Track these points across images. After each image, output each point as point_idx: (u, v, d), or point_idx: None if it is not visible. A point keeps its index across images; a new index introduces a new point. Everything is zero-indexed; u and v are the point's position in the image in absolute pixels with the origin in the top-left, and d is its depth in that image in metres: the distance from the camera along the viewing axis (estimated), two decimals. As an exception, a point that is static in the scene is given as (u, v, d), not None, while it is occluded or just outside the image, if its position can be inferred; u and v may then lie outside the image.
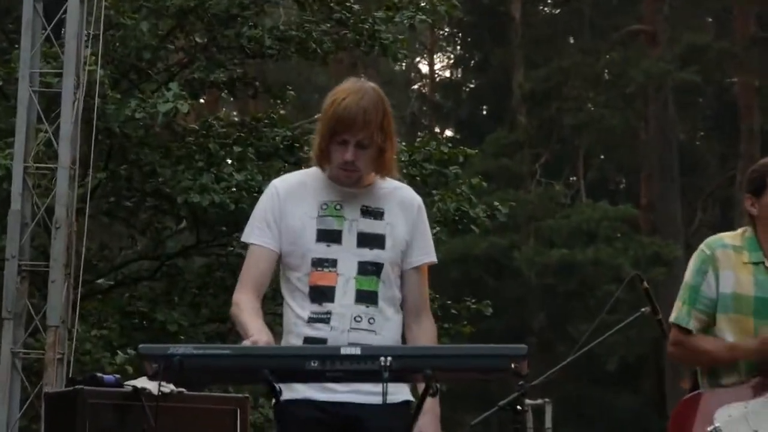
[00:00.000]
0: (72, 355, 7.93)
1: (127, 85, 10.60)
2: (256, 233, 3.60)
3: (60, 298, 7.84)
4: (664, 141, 22.99)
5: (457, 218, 11.12)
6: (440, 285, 13.46)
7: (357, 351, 3.07)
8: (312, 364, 3.07)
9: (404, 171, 9.97)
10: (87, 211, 8.60)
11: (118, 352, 9.90)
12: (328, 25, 10.99)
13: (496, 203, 11.82)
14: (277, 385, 3.13)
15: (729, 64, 23.71)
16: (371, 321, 3.53)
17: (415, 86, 29.25)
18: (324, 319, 3.52)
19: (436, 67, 29.37)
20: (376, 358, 3.03)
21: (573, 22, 26.21)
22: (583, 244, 21.93)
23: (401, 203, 3.65)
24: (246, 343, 3.32)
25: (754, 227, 4.04)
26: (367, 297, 3.54)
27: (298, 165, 9.59)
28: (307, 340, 3.51)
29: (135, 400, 5.86)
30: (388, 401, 3.05)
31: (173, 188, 9.92)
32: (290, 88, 12.45)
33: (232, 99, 14.40)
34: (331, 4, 10.84)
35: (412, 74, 29.49)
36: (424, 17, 11.23)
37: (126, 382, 6.04)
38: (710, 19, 26.69)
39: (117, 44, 10.25)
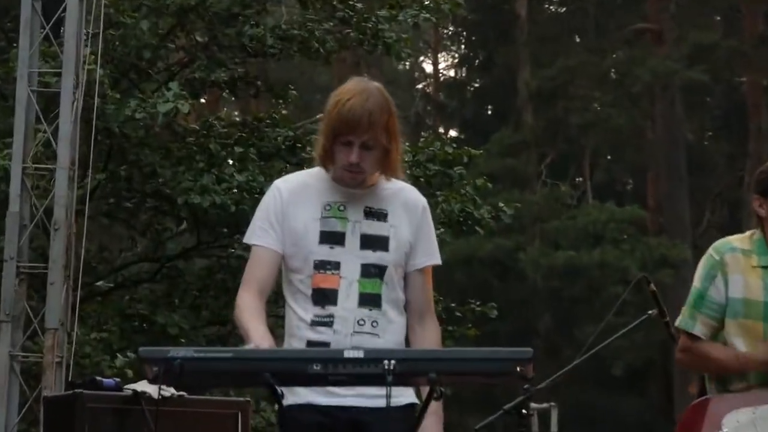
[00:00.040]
0: (71, 358, 7.92)
1: (127, 85, 10.58)
2: (259, 234, 3.58)
3: (59, 301, 7.82)
4: (672, 141, 22.95)
5: (461, 219, 11.10)
6: (444, 287, 13.39)
7: (360, 354, 3.04)
8: (314, 367, 3.04)
9: (408, 172, 9.90)
10: (86, 212, 8.57)
11: (118, 355, 9.88)
12: (331, 23, 10.97)
13: (501, 204, 11.78)
14: (279, 389, 3.11)
15: (737, 62, 23.69)
16: (374, 324, 3.52)
17: (419, 86, 29.29)
18: (327, 322, 3.50)
19: (440, 66, 29.43)
20: (380, 362, 3.01)
21: (579, 21, 26.21)
22: (590, 245, 21.92)
23: (405, 204, 3.63)
24: (248, 348, 3.31)
25: (762, 229, 4.01)
26: (370, 300, 3.53)
27: (300, 165, 9.54)
28: (310, 343, 3.50)
29: (135, 404, 5.86)
30: (392, 404, 3.09)
31: (173, 189, 9.89)
32: (292, 87, 12.43)
33: (233, 99, 14.43)
34: (334, 3, 10.83)
35: (416, 73, 29.52)
36: (427, 16, 11.20)
37: (126, 386, 6.06)
38: (718, 18, 26.62)
39: (117, 43, 10.22)
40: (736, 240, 4.03)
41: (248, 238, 3.62)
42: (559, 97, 24.16)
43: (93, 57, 8.58)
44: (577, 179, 25.63)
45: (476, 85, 28.67)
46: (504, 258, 22.71)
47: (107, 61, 9.75)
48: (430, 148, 11.15)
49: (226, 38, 10.64)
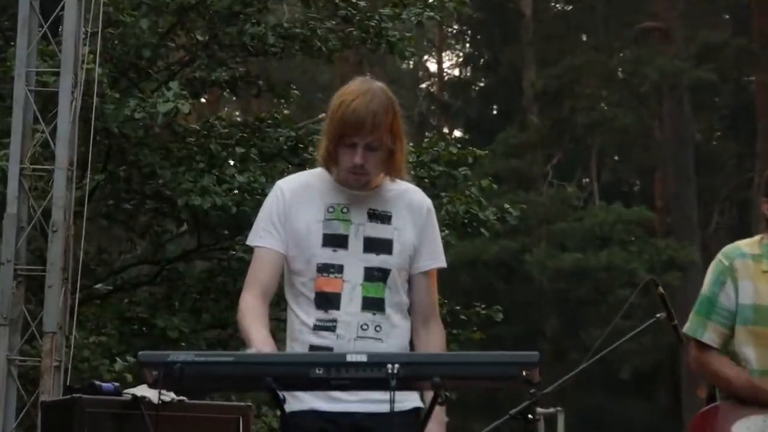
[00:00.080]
0: (69, 362, 7.88)
1: (127, 84, 10.55)
2: (262, 235, 3.57)
3: (57, 304, 7.78)
4: (680, 141, 22.94)
5: (466, 221, 11.05)
6: (449, 290, 13.33)
7: (363, 358, 3.02)
8: (317, 371, 3.03)
9: (412, 173, 9.86)
10: (85, 213, 8.52)
11: (117, 359, 9.85)
12: (334, 22, 10.93)
13: (506, 206, 11.74)
14: (281, 394, 3.08)
15: (746, 62, 23.67)
16: (378, 329, 3.51)
17: (423, 85, 29.27)
18: (330, 327, 3.50)
19: (445, 65, 29.39)
20: (383, 366, 2.99)
21: (585, 19, 26.20)
22: (597, 247, 21.93)
23: (410, 206, 3.62)
24: (249, 351, 3.32)
25: None
26: (373, 304, 3.52)
27: (302, 166, 9.54)
28: (313, 348, 3.49)
29: (134, 409, 5.85)
30: (396, 409, 3.05)
31: (173, 190, 9.85)
32: (294, 87, 12.41)
33: (234, 98, 14.43)
34: (337, 1, 10.80)
35: (420, 73, 29.50)
36: (432, 14, 11.15)
37: (125, 390, 6.04)
38: (726, 16, 26.56)
39: (116, 42, 10.19)
40: (746, 245, 3.99)
41: (251, 240, 3.60)
42: (566, 97, 24.17)
43: (92, 56, 8.54)
44: (583, 180, 25.60)
45: (481, 84, 28.64)
46: (510, 260, 22.69)
47: (106, 60, 9.73)
48: (435, 149, 11.10)
49: (227, 37, 10.60)
